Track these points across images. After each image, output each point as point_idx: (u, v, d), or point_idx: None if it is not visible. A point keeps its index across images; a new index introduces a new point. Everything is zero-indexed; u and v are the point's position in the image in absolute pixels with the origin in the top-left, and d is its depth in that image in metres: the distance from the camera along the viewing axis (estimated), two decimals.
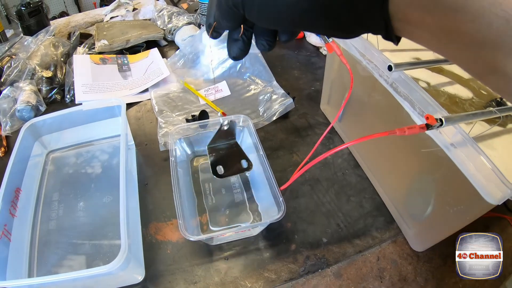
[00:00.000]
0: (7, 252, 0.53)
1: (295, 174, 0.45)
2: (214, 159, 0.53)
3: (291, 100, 0.73)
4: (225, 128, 0.54)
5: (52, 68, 0.79)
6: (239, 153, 0.54)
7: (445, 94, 0.51)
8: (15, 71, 0.81)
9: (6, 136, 0.76)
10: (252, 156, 0.60)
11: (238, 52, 0.32)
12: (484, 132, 0.44)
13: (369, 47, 0.50)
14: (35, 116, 0.77)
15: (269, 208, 0.54)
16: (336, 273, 0.48)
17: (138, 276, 0.52)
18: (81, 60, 0.78)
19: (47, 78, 0.76)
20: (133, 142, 0.68)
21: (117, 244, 0.55)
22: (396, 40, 0.21)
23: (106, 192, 0.60)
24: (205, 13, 0.86)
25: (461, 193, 0.41)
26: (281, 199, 0.49)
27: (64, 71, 0.78)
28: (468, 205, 0.40)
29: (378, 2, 0.19)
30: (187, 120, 0.68)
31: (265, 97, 0.74)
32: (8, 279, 0.51)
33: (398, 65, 0.46)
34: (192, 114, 0.69)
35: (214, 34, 0.31)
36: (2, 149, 0.73)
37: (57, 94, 0.77)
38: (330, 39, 0.57)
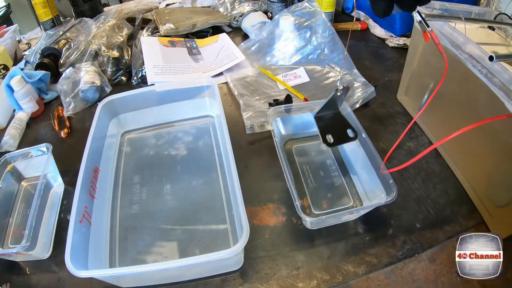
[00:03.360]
0: (88, 238, 0.49)
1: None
2: (323, 128, 0.51)
3: (372, 88, 0.71)
4: (339, 94, 0.52)
5: (115, 50, 0.76)
6: (344, 123, 0.53)
7: None
8: (75, 52, 0.78)
9: (68, 117, 0.72)
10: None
11: (384, 10, 0.31)
12: None
13: (466, 39, 0.51)
14: (100, 97, 0.73)
15: (371, 191, 0.53)
16: (430, 258, 0.48)
17: (241, 261, 0.48)
18: (150, 42, 0.75)
19: (113, 59, 0.73)
20: None
21: (214, 229, 0.51)
22: None
23: (195, 175, 0.56)
24: (273, 0, 0.84)
25: None
26: (391, 181, 0.47)
27: (130, 52, 0.75)
28: None
29: None
30: (270, 104, 0.65)
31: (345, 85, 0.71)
32: (90, 267, 0.46)
33: (498, 56, 0.46)
34: (274, 98, 0.67)
35: None
36: (66, 130, 0.69)
37: (122, 76, 0.74)
38: (429, 28, 0.56)
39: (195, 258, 0.40)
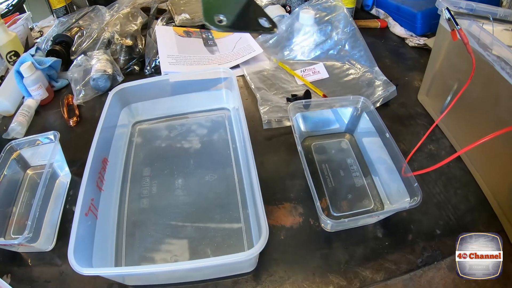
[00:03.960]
0: (93, 232, 0.45)
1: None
2: (211, 4, 0.34)
3: (394, 87, 0.66)
4: None
5: (129, 38, 0.72)
6: (256, 9, 0.37)
7: None
8: (87, 40, 0.74)
9: (78, 106, 0.68)
10: (376, 139, 0.53)
11: None
12: None
13: (495, 39, 0.47)
14: (111, 86, 0.69)
15: (393, 194, 0.49)
16: (449, 266, 0.46)
17: (255, 263, 0.44)
18: (165, 31, 0.71)
19: (127, 47, 0.70)
20: None
21: (227, 228, 0.47)
22: None
23: (208, 170, 0.52)
24: None
25: None
26: (416, 184, 0.43)
27: (143, 42, 0.71)
28: None
29: None
30: (288, 99, 0.61)
31: (366, 83, 0.67)
32: (94, 264, 0.42)
33: None
34: (293, 93, 0.62)
35: None
36: (75, 118, 0.66)
37: (135, 65, 0.71)
38: (458, 26, 0.52)
39: (208, 260, 0.36)
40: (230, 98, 0.59)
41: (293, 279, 0.43)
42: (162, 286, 0.45)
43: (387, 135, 0.50)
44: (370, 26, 0.84)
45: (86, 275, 0.37)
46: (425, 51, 0.81)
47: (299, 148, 0.47)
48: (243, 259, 0.36)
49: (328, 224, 0.46)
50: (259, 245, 0.36)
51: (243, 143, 0.46)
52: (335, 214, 0.49)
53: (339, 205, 0.50)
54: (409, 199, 0.44)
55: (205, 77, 0.55)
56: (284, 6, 0.83)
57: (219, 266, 0.40)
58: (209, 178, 0.51)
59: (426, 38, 0.82)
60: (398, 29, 0.86)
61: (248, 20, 0.37)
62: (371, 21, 0.85)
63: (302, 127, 0.56)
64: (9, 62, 0.84)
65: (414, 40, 0.82)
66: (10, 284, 0.48)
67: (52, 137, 0.57)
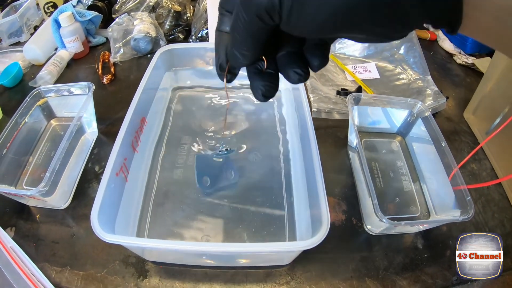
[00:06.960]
0: (120, 196, 0.39)
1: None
2: (201, 171, 0.44)
3: (444, 99, 0.61)
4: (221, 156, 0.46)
5: (177, 4, 0.66)
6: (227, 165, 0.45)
7: None
8: (132, 1, 0.68)
9: (114, 64, 0.62)
10: (428, 147, 0.48)
11: (268, 89, 0.22)
12: None
13: None
14: (152, 50, 0.63)
15: (440, 204, 0.45)
16: None
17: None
18: (216, 2, 0.65)
19: (175, 12, 0.63)
20: None
21: (268, 213, 0.41)
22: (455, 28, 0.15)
23: (253, 149, 0.46)
24: None
25: None
26: (469, 198, 0.38)
27: (192, 10, 0.65)
28: None
29: None
30: (338, 93, 0.56)
31: (416, 90, 0.61)
32: (117, 231, 0.35)
33: None
34: (343, 87, 0.57)
35: (229, 76, 0.23)
36: (109, 76, 0.59)
37: (180, 33, 0.64)
38: None
39: (256, 245, 0.30)
40: (282, 77, 0.53)
41: (329, 279, 0.39)
42: (183, 267, 0.39)
43: (443, 143, 0.45)
44: (420, 36, 0.79)
45: (109, 242, 0.30)
46: (471, 70, 0.76)
47: (357, 141, 0.41)
48: (299, 248, 0.30)
49: (381, 227, 0.40)
50: (320, 235, 0.30)
51: (303, 126, 0.40)
52: None
53: (386, 207, 0.44)
54: (459, 211, 0.40)
55: None
56: None
57: (261, 254, 0.34)
58: (253, 157, 0.45)
59: (474, 58, 0.77)
60: (447, 44, 0.81)
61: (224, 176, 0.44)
62: (422, 31, 0.80)
63: (356, 121, 0.50)
64: (46, 13, 0.78)
65: (462, 58, 0.77)
66: (13, 239, 0.42)
67: (85, 89, 0.50)
